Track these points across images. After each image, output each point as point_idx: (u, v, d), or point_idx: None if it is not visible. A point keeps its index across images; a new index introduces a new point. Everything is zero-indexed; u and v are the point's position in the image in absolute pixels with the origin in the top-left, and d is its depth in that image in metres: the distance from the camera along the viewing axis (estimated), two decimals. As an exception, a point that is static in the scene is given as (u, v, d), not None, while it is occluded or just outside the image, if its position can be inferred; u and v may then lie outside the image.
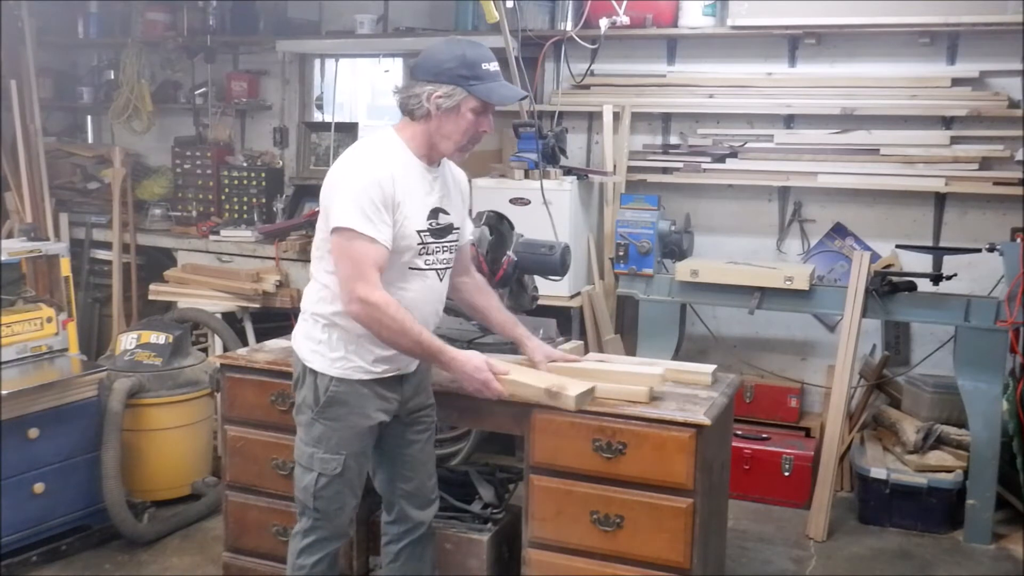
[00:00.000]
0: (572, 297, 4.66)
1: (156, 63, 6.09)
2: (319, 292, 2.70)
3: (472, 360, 2.69)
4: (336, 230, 2.53)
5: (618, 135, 5.00)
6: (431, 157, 2.67)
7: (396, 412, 2.79)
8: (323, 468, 2.69)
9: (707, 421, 2.78)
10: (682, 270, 4.42)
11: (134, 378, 4.13)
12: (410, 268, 2.66)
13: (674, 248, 4.55)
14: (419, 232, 2.64)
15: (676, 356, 4.45)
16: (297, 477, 2.77)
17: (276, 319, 5.19)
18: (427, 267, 2.69)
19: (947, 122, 4.61)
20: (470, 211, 3.03)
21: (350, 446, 2.70)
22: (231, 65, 6.11)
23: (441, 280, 2.76)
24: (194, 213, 5.83)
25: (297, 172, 5.93)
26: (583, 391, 2.79)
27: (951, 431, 4.28)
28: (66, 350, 4.12)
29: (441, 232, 2.70)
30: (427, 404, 2.92)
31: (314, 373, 2.68)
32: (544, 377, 2.84)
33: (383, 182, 2.54)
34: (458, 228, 2.78)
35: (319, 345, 2.68)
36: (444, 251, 2.73)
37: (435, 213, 2.69)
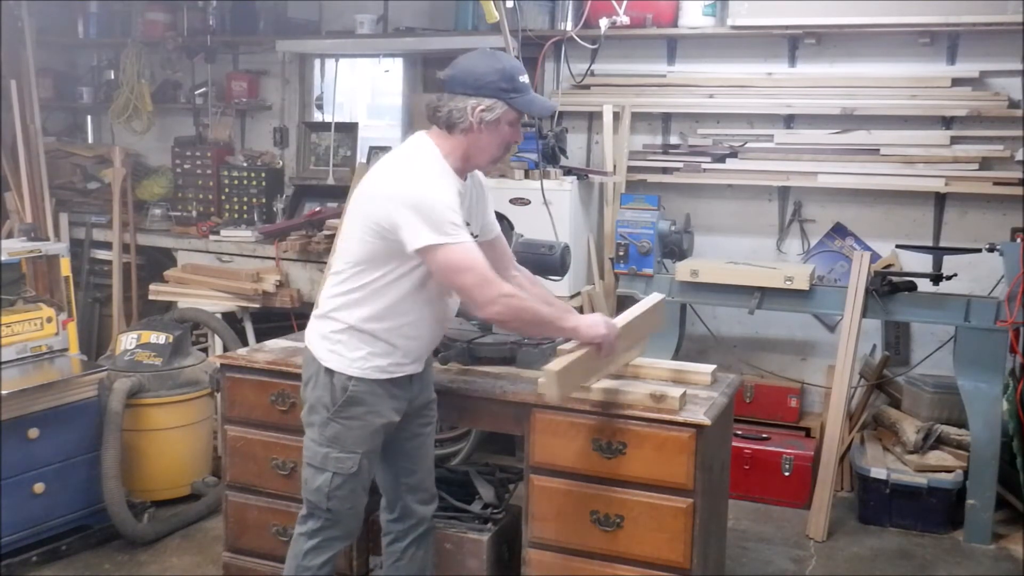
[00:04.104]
0: (572, 297, 4.65)
1: (156, 63, 6.09)
2: (344, 296, 2.65)
3: (594, 326, 2.67)
4: (431, 248, 2.47)
5: (618, 135, 4.99)
6: (464, 171, 2.67)
7: (405, 410, 2.80)
8: (338, 467, 2.70)
9: (707, 421, 2.78)
10: (682, 270, 4.42)
11: (134, 378, 4.13)
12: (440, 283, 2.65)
13: (674, 248, 4.55)
14: None
15: (676, 356, 4.45)
16: (308, 478, 2.75)
17: (276, 319, 5.19)
18: None
19: (947, 122, 4.61)
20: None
21: (365, 444, 2.71)
22: (231, 65, 6.11)
23: (452, 295, 2.76)
24: (194, 213, 5.83)
25: (297, 172, 5.92)
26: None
27: (951, 431, 4.28)
28: (66, 350, 4.12)
29: None
30: (431, 399, 2.95)
31: (331, 373, 2.67)
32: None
33: (454, 188, 2.57)
34: (476, 236, 2.73)
35: (337, 345, 2.67)
36: None
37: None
